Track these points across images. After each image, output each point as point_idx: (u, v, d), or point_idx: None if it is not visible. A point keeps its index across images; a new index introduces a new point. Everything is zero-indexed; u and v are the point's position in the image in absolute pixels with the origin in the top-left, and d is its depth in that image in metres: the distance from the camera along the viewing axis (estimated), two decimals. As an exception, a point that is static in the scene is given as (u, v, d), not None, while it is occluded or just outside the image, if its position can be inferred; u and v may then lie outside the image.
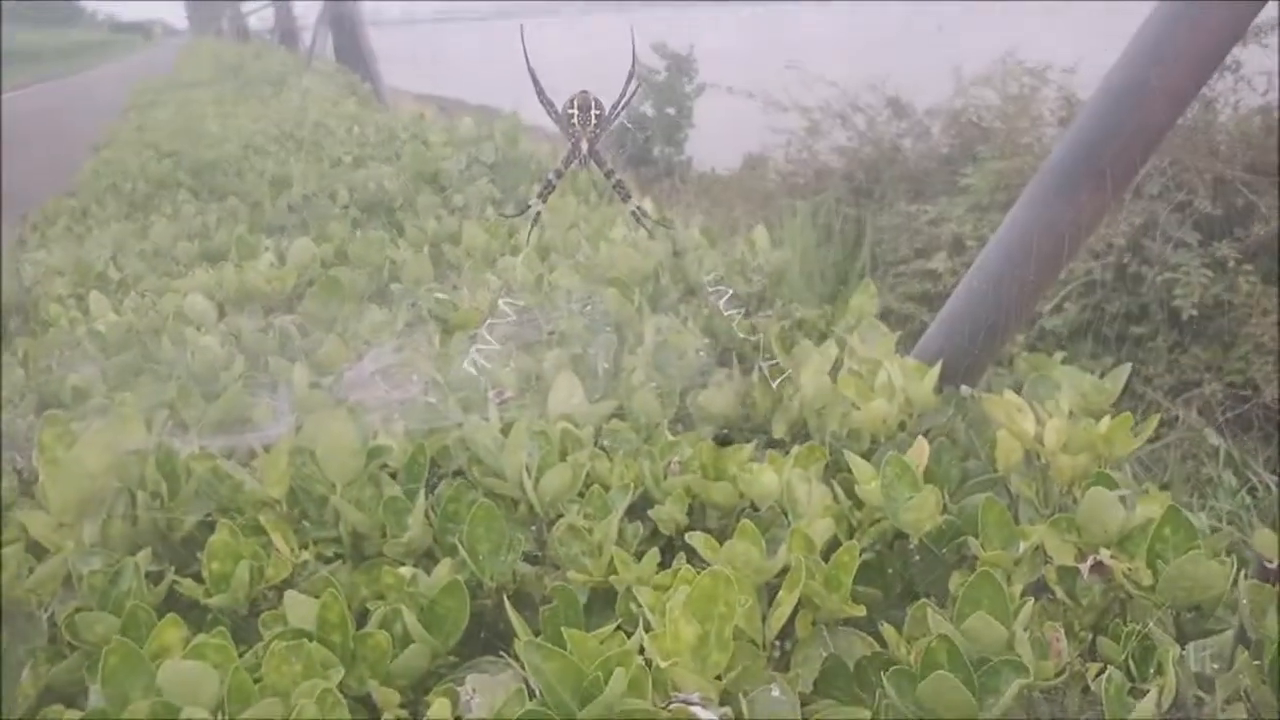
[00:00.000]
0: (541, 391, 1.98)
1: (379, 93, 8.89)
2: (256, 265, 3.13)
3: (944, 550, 1.47)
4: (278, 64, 13.58)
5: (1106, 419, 1.53)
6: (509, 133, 4.73)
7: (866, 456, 1.65)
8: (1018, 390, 1.99)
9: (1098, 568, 1.27)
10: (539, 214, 1.97)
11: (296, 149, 5.67)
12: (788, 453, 1.74)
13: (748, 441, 1.89)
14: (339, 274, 2.93)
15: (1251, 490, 5.25)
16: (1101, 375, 1.91)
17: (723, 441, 1.88)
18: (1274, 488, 5.14)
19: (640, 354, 2.11)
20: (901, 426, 1.77)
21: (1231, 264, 6.20)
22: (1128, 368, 1.93)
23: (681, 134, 15.12)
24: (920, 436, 1.62)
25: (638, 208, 2.01)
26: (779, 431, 1.81)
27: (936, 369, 1.79)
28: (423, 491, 1.63)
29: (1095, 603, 1.29)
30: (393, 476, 1.79)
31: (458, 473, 1.85)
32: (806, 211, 8.85)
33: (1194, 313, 6.04)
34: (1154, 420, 1.51)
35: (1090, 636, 1.31)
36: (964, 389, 1.92)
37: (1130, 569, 1.26)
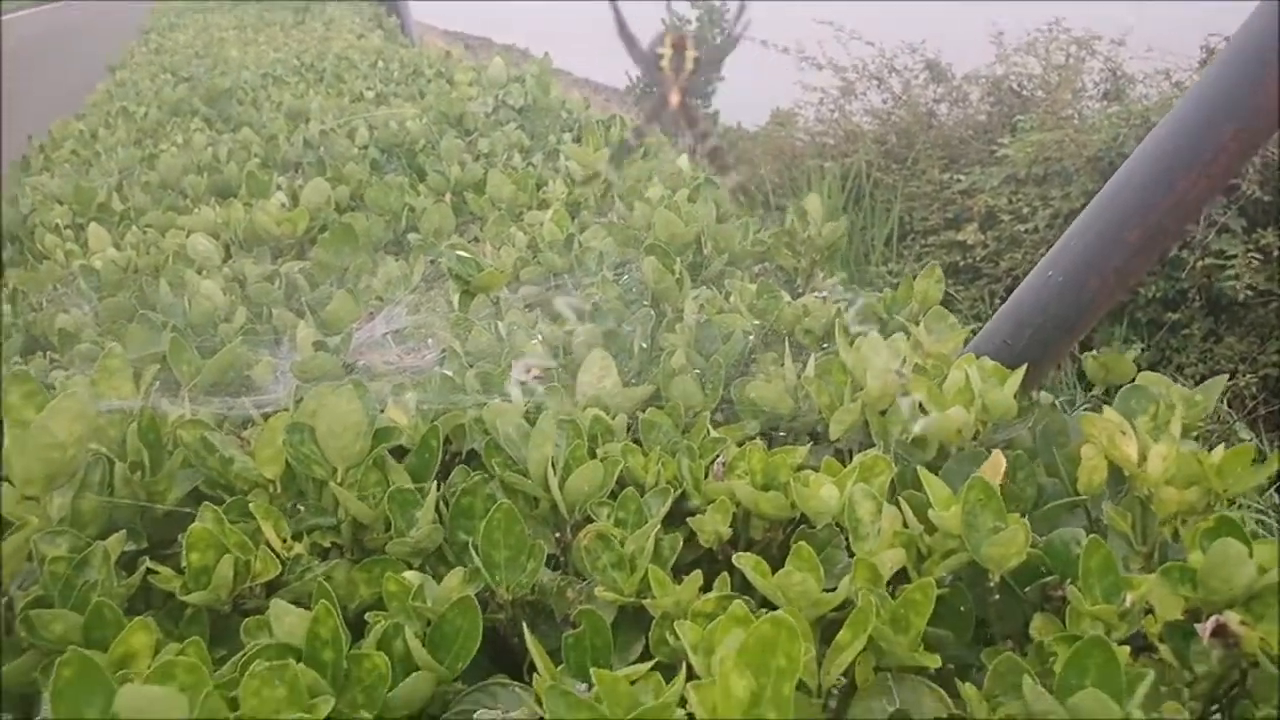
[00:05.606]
0: (570, 370, 1.78)
1: (405, 27, 8.61)
2: (267, 205, 2.93)
3: (1027, 590, 1.28)
4: (303, -9, 13.23)
5: (1221, 448, 1.33)
6: (540, 76, 4.49)
7: (934, 469, 1.45)
8: (1103, 396, 1.79)
9: (1221, 631, 1.08)
10: (610, 185, 1.70)
11: (317, 81, 5.44)
12: (844, 459, 1.55)
13: (796, 441, 1.70)
14: (354, 220, 2.73)
15: (1282, 490, 5.08)
16: (1196, 382, 1.70)
17: (771, 440, 1.68)
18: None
19: (680, 332, 1.90)
20: (974, 436, 1.57)
21: (1277, 252, 5.98)
22: (1222, 380, 1.73)
23: (710, 86, 14.86)
24: (997, 451, 1.42)
25: (739, 183, 1.73)
26: (836, 433, 1.60)
27: (1019, 374, 1.59)
28: (434, 484, 1.44)
29: (1211, 670, 1.11)
30: (400, 456, 1.60)
31: (472, 455, 1.66)
32: (835, 174, 8.62)
33: (1242, 296, 5.84)
34: (1277, 458, 1.31)
35: (1201, 710, 1.12)
36: (1044, 395, 1.71)
37: (1264, 637, 1.07)
